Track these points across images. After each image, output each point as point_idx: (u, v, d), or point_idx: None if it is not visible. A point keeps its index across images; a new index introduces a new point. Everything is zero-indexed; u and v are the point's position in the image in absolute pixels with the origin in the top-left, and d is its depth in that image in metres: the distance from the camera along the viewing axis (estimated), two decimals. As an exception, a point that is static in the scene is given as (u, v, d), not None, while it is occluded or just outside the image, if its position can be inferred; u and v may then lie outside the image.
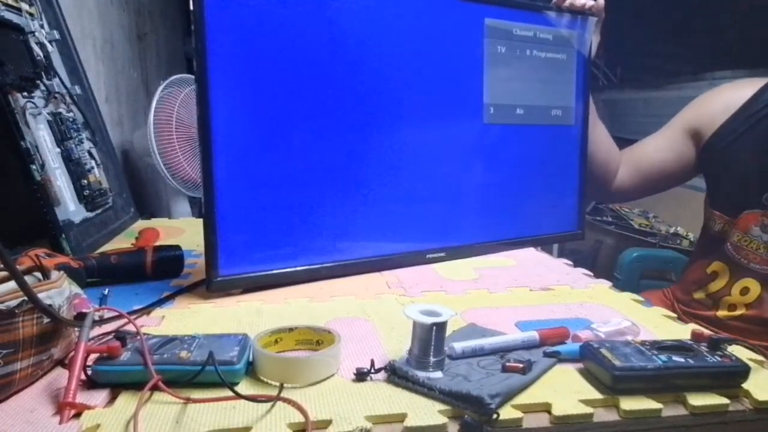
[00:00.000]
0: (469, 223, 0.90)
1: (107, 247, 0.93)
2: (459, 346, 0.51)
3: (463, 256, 0.90)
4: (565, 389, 0.48)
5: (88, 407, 0.44)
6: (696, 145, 0.99)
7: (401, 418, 0.43)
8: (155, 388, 0.45)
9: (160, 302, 0.68)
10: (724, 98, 0.96)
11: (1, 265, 0.43)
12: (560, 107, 0.96)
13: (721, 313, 0.92)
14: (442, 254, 0.87)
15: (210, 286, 0.69)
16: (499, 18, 0.87)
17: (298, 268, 0.75)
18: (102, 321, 0.58)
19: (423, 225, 0.86)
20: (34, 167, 0.82)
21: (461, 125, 0.87)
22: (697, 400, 0.47)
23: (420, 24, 0.81)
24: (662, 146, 1.03)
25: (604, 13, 0.96)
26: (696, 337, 0.53)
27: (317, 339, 0.54)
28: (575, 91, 0.97)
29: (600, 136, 1.02)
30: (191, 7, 0.64)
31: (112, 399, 0.46)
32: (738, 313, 0.91)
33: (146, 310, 0.65)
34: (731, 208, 0.93)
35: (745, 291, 0.90)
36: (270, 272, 0.73)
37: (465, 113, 0.87)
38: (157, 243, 0.92)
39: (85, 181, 0.95)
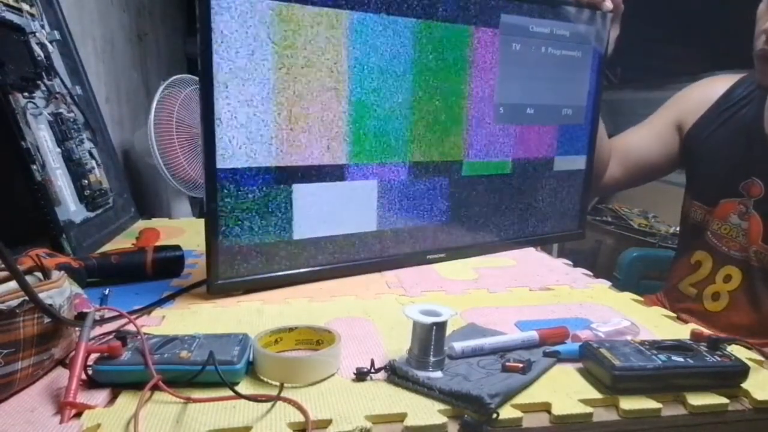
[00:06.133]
0: (470, 224, 0.90)
1: (108, 247, 0.93)
2: (459, 345, 0.51)
3: (463, 256, 0.89)
4: (565, 389, 0.48)
5: (89, 407, 0.44)
6: (679, 136, 1.03)
7: (401, 417, 0.44)
8: (156, 387, 0.45)
9: (160, 302, 0.68)
10: (704, 92, 1.00)
11: (2, 265, 0.44)
12: (571, 106, 0.94)
13: (708, 305, 0.94)
14: (443, 255, 0.87)
15: (210, 288, 0.70)
16: (516, 14, 0.85)
17: (299, 270, 0.75)
18: (102, 321, 0.58)
19: (424, 225, 0.85)
20: (34, 167, 0.82)
21: (469, 126, 0.85)
22: (697, 399, 0.47)
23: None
24: (648, 139, 1.06)
25: (622, 5, 0.94)
26: (695, 336, 0.54)
27: (317, 339, 0.55)
28: (588, 90, 0.95)
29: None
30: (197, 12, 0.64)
31: (113, 399, 0.46)
32: (724, 303, 0.92)
33: (147, 310, 0.65)
34: (710, 198, 0.96)
35: (727, 278, 0.92)
36: (270, 274, 0.73)
37: (473, 114, 0.85)
38: (158, 243, 0.92)
39: (86, 181, 0.95)
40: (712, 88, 0.99)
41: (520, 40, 0.86)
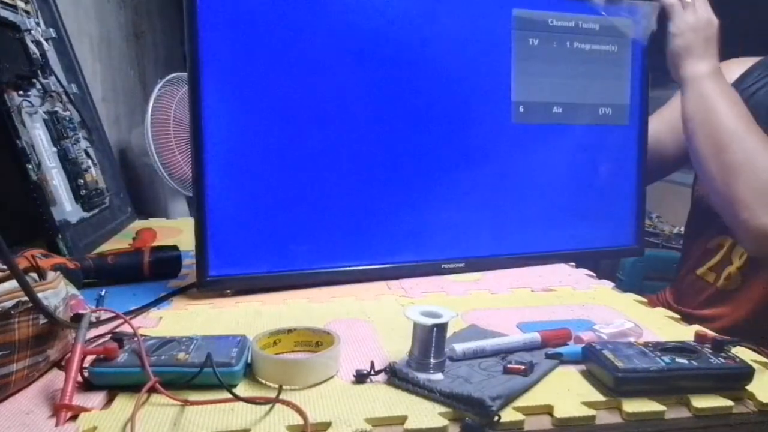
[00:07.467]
0: (496, 233, 0.83)
1: (104, 248, 0.92)
2: (460, 347, 0.51)
3: (485, 268, 0.83)
4: (567, 391, 0.47)
5: (85, 409, 0.43)
6: None
7: (401, 420, 0.43)
8: (153, 390, 0.45)
9: (157, 303, 0.67)
10: None
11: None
12: (610, 105, 0.87)
13: (721, 284, 0.93)
14: (461, 265, 0.81)
15: (201, 286, 0.69)
16: (530, 8, 0.80)
17: (296, 272, 0.74)
18: (99, 322, 0.58)
19: (440, 233, 0.80)
20: (30, 167, 0.81)
21: (485, 124, 0.81)
22: (701, 402, 0.46)
23: (436, 13, 0.77)
24: (661, 131, 1.02)
25: None
26: (699, 338, 0.53)
27: (316, 340, 0.54)
28: (630, 88, 0.87)
29: None
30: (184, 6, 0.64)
31: (109, 401, 0.45)
32: (737, 282, 0.91)
33: (143, 311, 0.64)
34: None
35: (742, 255, 0.91)
36: (265, 274, 0.72)
37: (490, 112, 0.81)
38: (155, 243, 0.91)
39: (82, 181, 0.94)
40: (728, 71, 0.96)
41: (538, 35, 0.82)
